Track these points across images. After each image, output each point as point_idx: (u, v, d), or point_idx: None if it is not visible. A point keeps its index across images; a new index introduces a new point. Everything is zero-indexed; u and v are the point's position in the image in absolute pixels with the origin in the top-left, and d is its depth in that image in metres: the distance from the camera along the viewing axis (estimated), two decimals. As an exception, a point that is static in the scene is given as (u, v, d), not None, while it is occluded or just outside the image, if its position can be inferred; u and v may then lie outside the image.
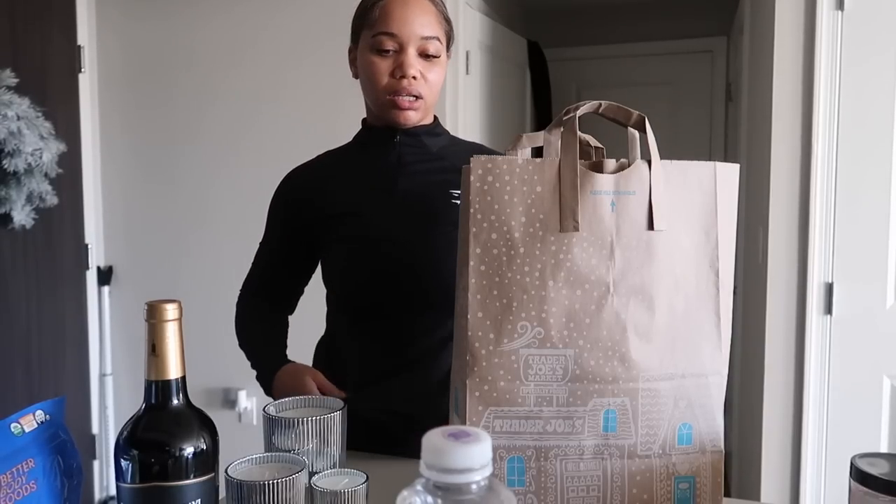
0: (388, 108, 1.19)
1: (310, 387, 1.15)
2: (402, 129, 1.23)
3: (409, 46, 1.16)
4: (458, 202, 1.16)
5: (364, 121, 1.30)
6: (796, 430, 2.05)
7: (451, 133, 1.33)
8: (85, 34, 2.79)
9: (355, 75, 1.25)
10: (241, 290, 1.38)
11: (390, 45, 1.17)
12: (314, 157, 1.32)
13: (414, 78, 1.17)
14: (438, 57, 1.19)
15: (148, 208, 2.87)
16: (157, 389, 0.70)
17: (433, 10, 1.20)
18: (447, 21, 1.23)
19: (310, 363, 1.31)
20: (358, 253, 1.22)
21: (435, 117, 1.30)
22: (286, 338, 1.35)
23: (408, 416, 1.19)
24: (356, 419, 1.06)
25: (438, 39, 1.19)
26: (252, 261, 1.37)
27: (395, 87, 1.17)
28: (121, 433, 0.70)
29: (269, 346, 1.31)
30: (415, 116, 1.21)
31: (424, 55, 1.18)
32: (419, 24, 1.17)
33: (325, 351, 1.33)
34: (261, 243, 1.36)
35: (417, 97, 1.18)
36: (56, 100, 2.57)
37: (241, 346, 1.32)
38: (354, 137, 1.31)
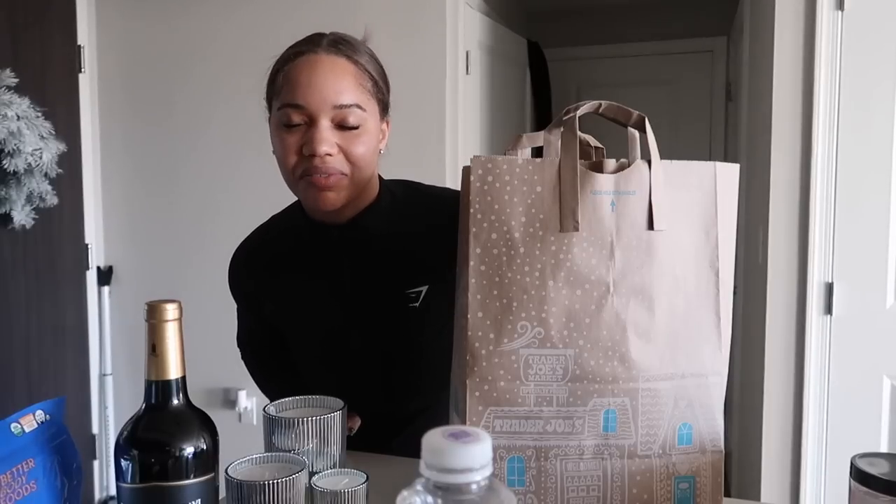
0: (303, 190, 1.00)
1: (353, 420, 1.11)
2: (337, 222, 1.06)
3: (321, 118, 0.96)
4: (416, 305, 1.07)
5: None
6: (796, 430, 2.05)
7: (411, 182, 1.15)
8: (85, 34, 2.79)
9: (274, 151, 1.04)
10: (238, 346, 1.33)
11: (297, 118, 0.97)
12: (261, 226, 1.20)
13: (329, 155, 0.97)
14: (358, 128, 0.99)
15: (148, 208, 2.87)
16: (157, 389, 0.70)
17: (351, 72, 0.99)
18: (375, 80, 1.02)
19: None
20: (312, 354, 1.16)
21: (380, 180, 1.10)
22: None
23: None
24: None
25: (359, 107, 0.98)
26: (236, 318, 1.30)
27: (306, 165, 0.97)
28: (121, 433, 0.70)
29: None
30: (336, 198, 1.00)
31: (342, 127, 0.98)
32: (332, 92, 0.96)
33: None
34: (237, 306, 1.27)
35: (340, 174, 0.98)
36: (56, 100, 2.57)
37: (270, 399, 1.27)
38: (291, 217, 1.14)
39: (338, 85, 0.97)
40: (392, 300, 1.07)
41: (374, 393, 1.13)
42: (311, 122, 0.97)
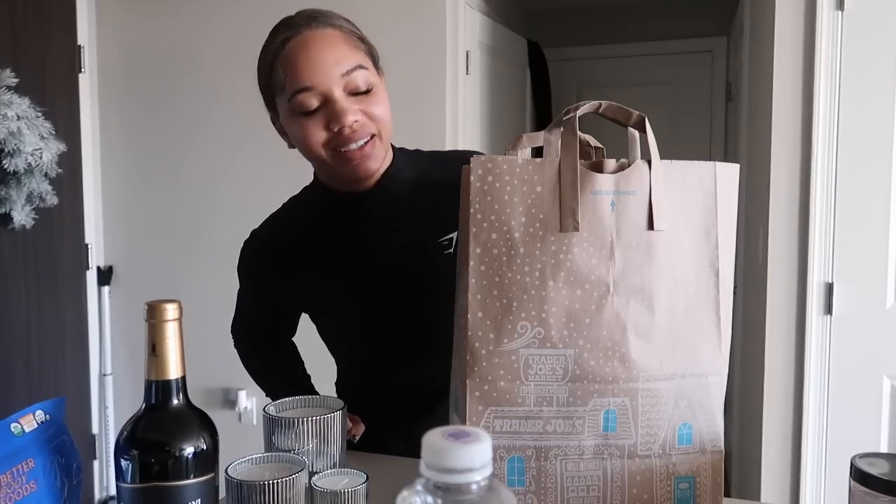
0: (340, 165, 1.01)
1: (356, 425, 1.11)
2: (364, 189, 1.07)
3: (335, 91, 0.96)
4: (450, 251, 1.07)
5: (317, 176, 1.13)
6: (796, 430, 2.05)
7: (421, 149, 1.17)
8: (85, 34, 2.79)
9: (291, 145, 1.06)
10: (233, 333, 1.31)
11: (312, 101, 0.97)
12: (278, 209, 1.19)
13: (356, 121, 0.98)
14: (372, 88, 1.00)
15: (148, 208, 2.87)
16: (157, 389, 0.70)
17: (341, 38, 0.99)
18: (360, 37, 1.03)
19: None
20: (351, 328, 1.14)
21: (392, 149, 1.11)
22: (304, 370, 1.29)
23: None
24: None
25: (362, 67, 0.99)
26: (235, 304, 1.28)
27: (338, 141, 0.98)
28: (121, 433, 0.70)
29: (295, 388, 1.22)
30: (374, 164, 1.02)
31: (355, 93, 0.98)
32: (333, 62, 0.96)
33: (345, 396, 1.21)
34: (240, 292, 1.24)
35: (371, 137, 1.00)
36: (56, 100, 2.57)
37: (264, 390, 1.27)
38: (310, 194, 1.16)
39: (335, 54, 0.97)
40: (428, 251, 1.07)
41: (416, 356, 1.11)
42: (327, 99, 0.97)
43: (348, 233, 1.10)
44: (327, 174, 1.08)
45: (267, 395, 1.27)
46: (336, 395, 1.25)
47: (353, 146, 0.99)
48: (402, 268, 1.09)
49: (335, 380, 1.27)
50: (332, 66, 0.97)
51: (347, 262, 1.11)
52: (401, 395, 1.16)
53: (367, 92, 0.99)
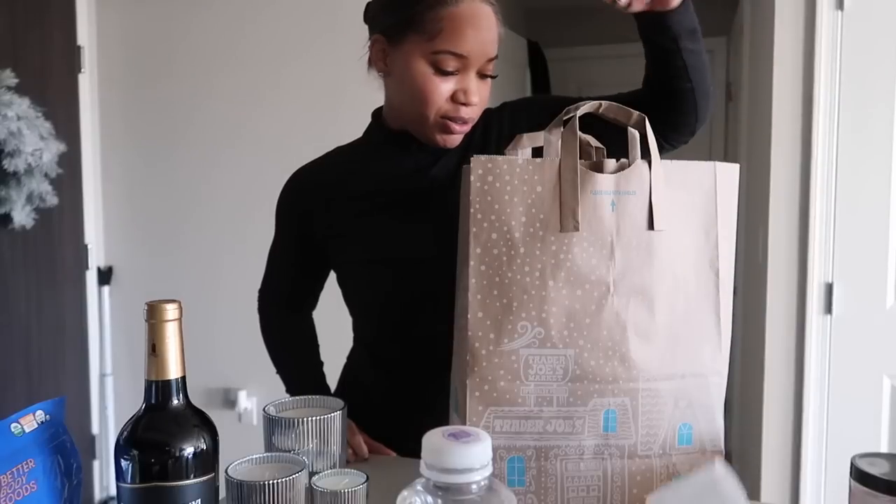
0: (435, 129, 1.05)
1: (357, 445, 1.07)
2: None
3: (473, 69, 1.02)
4: None
5: (378, 116, 1.15)
6: (796, 430, 2.05)
7: None
8: (85, 34, 2.79)
9: (383, 72, 1.08)
10: (259, 297, 1.29)
11: (454, 65, 1.00)
12: (323, 154, 1.19)
13: (475, 105, 1.03)
14: (493, 77, 1.05)
15: (148, 208, 2.87)
16: (157, 389, 0.70)
17: (495, 23, 1.03)
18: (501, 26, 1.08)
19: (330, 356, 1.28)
20: (381, 275, 1.10)
21: None
22: (319, 354, 1.27)
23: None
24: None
25: (497, 57, 1.04)
26: (266, 264, 1.26)
27: (452, 111, 1.03)
28: (121, 433, 0.70)
29: (306, 381, 1.21)
30: (459, 140, 1.07)
31: (482, 75, 1.03)
32: (489, 44, 1.01)
33: (354, 382, 1.21)
34: (272, 247, 1.24)
35: (469, 120, 1.05)
36: (56, 100, 2.57)
37: (275, 364, 1.26)
38: (365, 135, 1.18)
39: (491, 37, 1.02)
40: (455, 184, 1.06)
41: (440, 295, 1.04)
42: (464, 70, 1.01)
43: (392, 168, 1.11)
44: (410, 121, 1.08)
45: (277, 373, 1.26)
46: (344, 376, 1.25)
47: (459, 122, 1.03)
48: (431, 201, 1.09)
49: (347, 354, 1.25)
50: (487, 47, 1.01)
51: (386, 201, 1.10)
52: (417, 355, 1.12)
53: (491, 78, 1.04)
